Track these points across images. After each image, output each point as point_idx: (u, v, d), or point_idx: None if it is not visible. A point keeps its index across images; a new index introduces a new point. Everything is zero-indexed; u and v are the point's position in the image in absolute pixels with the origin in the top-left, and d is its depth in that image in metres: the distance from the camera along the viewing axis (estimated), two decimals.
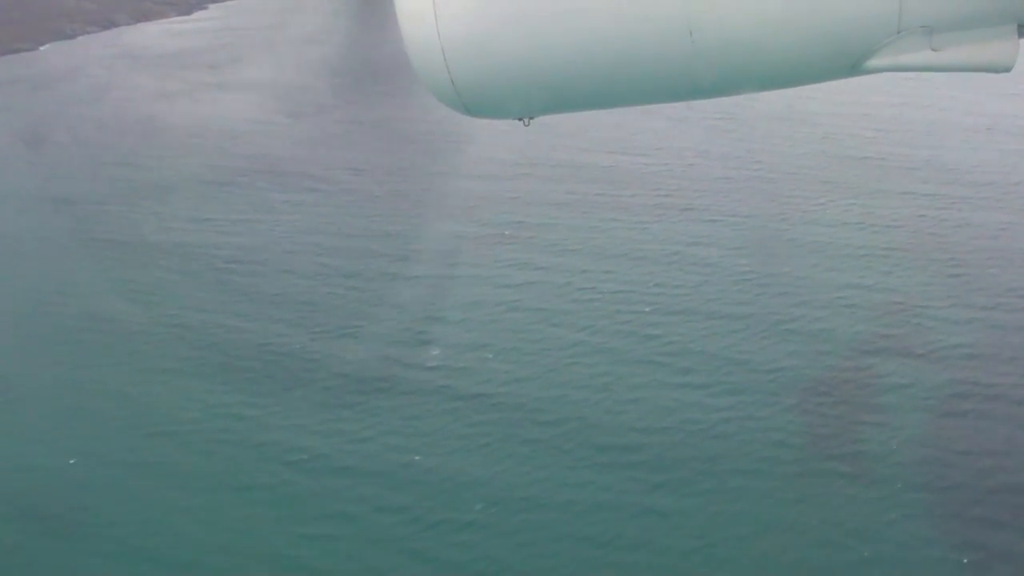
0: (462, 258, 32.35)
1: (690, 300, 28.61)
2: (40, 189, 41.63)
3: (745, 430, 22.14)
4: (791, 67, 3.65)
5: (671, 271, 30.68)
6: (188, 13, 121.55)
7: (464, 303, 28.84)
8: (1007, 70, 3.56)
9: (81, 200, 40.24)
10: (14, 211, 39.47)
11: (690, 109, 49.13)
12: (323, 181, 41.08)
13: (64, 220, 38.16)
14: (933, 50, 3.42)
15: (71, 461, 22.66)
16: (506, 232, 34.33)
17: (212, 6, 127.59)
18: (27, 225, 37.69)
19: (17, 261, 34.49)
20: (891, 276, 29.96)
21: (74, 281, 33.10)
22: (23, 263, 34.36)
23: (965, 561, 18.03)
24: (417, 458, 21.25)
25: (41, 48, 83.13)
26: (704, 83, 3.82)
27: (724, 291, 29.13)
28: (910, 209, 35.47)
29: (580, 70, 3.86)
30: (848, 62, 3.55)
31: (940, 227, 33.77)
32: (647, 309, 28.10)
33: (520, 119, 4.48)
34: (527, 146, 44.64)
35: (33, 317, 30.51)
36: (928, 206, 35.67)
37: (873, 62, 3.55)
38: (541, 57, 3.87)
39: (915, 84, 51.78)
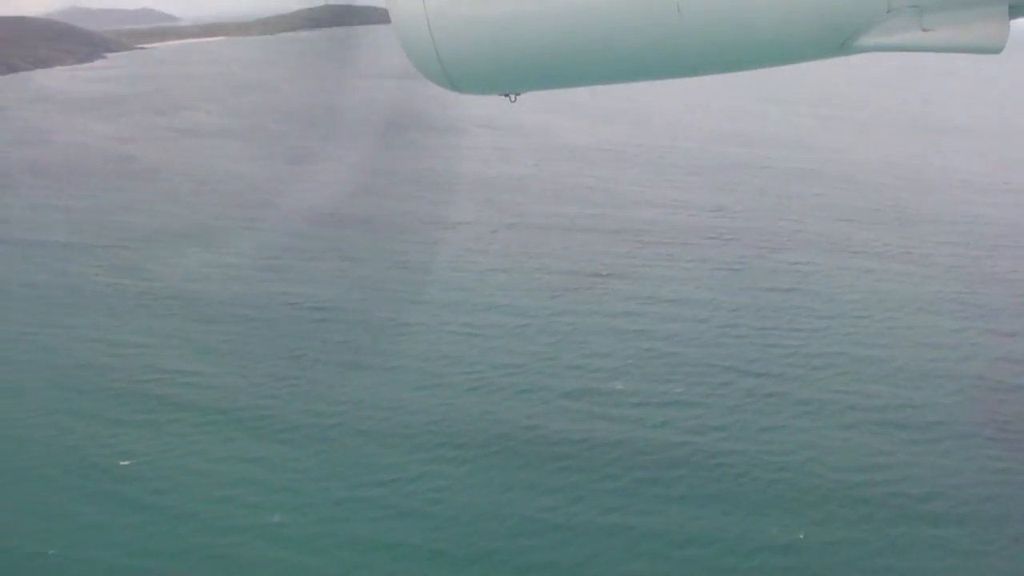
0: (583, 297, 31.36)
1: (832, 343, 28.76)
2: (38, 234, 36.75)
3: (964, 464, 22.28)
4: (780, 45, 3.71)
5: (786, 317, 30.86)
6: (88, 60, 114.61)
7: (628, 353, 27.71)
8: (997, 51, 3.53)
9: (94, 246, 35.86)
10: (20, 258, 34.65)
11: (662, 159, 50.53)
12: (369, 225, 38.75)
13: (84, 267, 33.78)
14: (923, 30, 3.47)
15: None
16: (602, 274, 33.73)
17: (109, 55, 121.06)
18: (46, 273, 33.04)
19: (53, 311, 29.87)
20: (995, 321, 31.22)
21: (132, 333, 29.13)
22: (61, 314, 29.82)
23: None
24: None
25: None
26: (692, 60, 3.86)
27: (855, 336, 29.49)
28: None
29: (566, 44, 3.85)
30: (837, 40, 3.60)
31: (990, 274, 35.90)
32: (792, 352, 28.05)
33: (506, 95, 4.42)
34: (527, 202, 44.03)
35: (108, 376, 26.52)
36: (960, 255, 37.87)
37: (862, 41, 3.57)
38: (528, 31, 3.87)
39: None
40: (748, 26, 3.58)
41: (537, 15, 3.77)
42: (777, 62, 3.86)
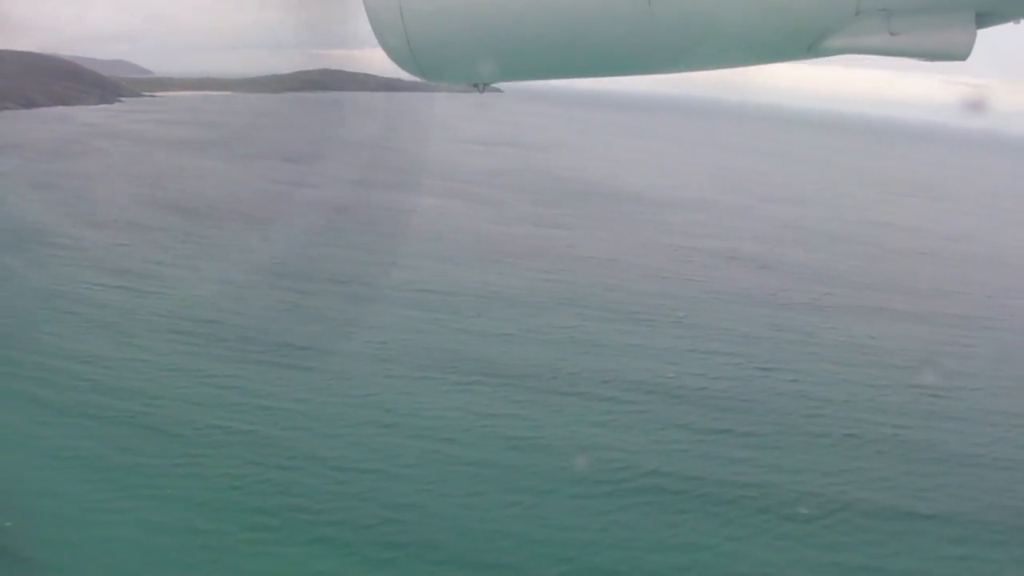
0: None
1: None
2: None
3: None
4: (748, 44, 3.63)
5: None
6: (107, 102, 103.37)
7: None
8: (963, 58, 3.48)
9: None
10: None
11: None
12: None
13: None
14: (891, 34, 3.39)
15: None
16: None
17: (124, 99, 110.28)
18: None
19: None
20: None
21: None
22: None
23: None
24: None
25: None
26: (660, 56, 3.80)
27: None
28: None
29: (535, 37, 3.80)
30: (805, 42, 3.52)
31: None
32: None
33: (475, 85, 4.30)
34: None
35: None
36: None
37: (830, 43, 3.49)
38: (497, 22, 3.82)
39: None
40: (716, 23, 3.53)
41: (507, 6, 3.73)
42: (745, 62, 3.86)
